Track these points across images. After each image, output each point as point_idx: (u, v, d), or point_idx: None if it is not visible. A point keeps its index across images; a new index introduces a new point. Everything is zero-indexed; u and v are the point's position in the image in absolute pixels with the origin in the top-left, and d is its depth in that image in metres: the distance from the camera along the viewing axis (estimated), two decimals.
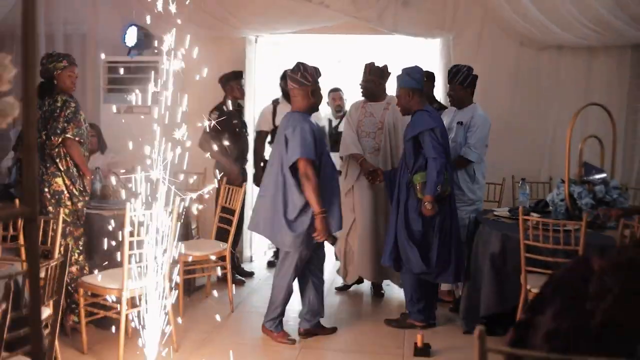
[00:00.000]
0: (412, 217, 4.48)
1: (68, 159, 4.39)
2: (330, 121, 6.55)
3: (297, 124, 4.16)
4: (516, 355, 1.86)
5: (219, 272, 5.03)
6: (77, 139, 4.34)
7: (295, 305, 4.79)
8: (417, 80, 4.55)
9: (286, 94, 5.92)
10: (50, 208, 4.32)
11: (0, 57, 1.43)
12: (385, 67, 5.29)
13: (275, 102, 6.02)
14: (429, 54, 6.25)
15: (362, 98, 5.37)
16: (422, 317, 4.66)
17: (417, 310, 4.66)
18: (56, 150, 4.34)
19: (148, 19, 4.76)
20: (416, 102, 4.55)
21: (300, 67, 4.28)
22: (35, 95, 1.20)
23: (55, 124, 4.31)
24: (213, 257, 4.86)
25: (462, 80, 4.92)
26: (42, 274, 2.73)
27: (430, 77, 5.49)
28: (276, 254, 6.38)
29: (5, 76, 1.44)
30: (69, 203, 4.37)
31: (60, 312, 2.73)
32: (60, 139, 4.32)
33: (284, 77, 5.94)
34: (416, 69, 4.62)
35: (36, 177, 1.18)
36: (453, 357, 4.20)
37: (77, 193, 4.40)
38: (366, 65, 5.28)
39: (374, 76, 5.25)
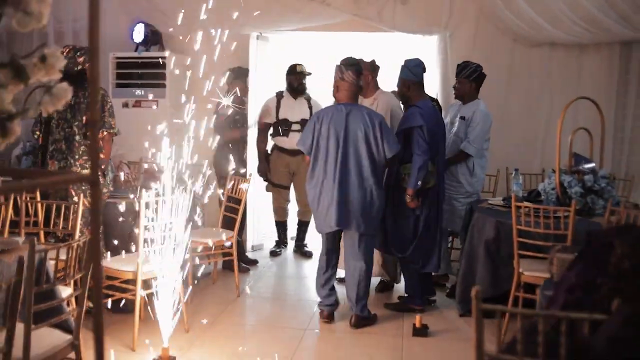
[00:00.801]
0: (400, 202, 4.73)
1: (101, 152, 4.56)
2: None
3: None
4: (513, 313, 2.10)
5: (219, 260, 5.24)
6: (113, 135, 4.58)
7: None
8: (414, 74, 4.77)
9: (292, 88, 6.15)
10: (76, 198, 4.49)
11: (52, 49, 1.65)
12: (373, 61, 5.28)
13: (279, 95, 6.22)
14: (426, 50, 6.45)
15: None
16: (420, 301, 4.88)
17: (415, 295, 4.89)
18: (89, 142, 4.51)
19: (154, 16, 4.98)
20: (413, 94, 4.78)
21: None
22: (98, 76, 1.41)
23: (101, 118, 4.49)
24: (225, 244, 5.13)
25: (468, 74, 5.16)
26: (63, 256, 2.94)
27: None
28: (278, 243, 6.59)
29: (57, 65, 1.66)
30: (75, 195, 4.53)
31: (86, 288, 2.93)
32: (104, 134, 4.52)
33: (291, 72, 6.19)
34: (415, 62, 4.83)
35: (97, 149, 1.39)
36: (449, 337, 4.43)
37: (103, 184, 4.58)
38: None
39: (366, 70, 5.18)
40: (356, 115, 4.48)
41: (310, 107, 6.22)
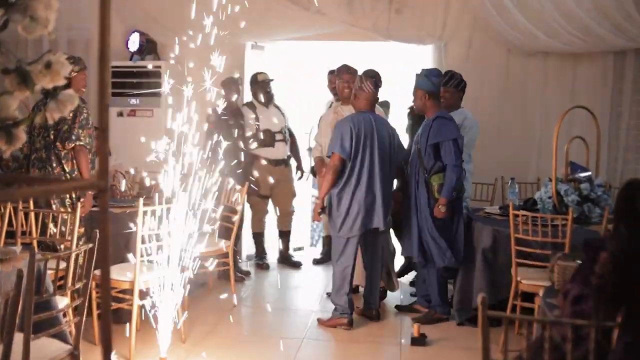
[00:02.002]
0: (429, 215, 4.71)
1: (74, 161, 4.54)
2: None
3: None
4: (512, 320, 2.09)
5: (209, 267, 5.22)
6: (87, 147, 4.49)
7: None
8: (434, 83, 4.77)
9: (258, 98, 6.14)
10: (54, 207, 4.47)
11: (57, 55, 1.64)
12: (372, 72, 5.19)
13: (251, 106, 6.19)
14: (421, 60, 6.48)
15: (331, 105, 5.58)
16: (446, 309, 4.86)
17: (443, 303, 4.86)
18: (64, 152, 4.50)
19: (150, 26, 4.98)
20: (431, 104, 4.77)
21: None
22: (109, 81, 1.39)
23: (69, 130, 4.44)
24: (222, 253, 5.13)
25: (457, 83, 5.16)
26: (64, 264, 2.92)
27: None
28: (260, 255, 6.47)
29: (62, 72, 1.65)
30: (67, 203, 4.51)
31: (86, 298, 2.91)
32: (72, 145, 4.47)
33: (254, 82, 6.21)
34: (434, 72, 4.87)
35: (108, 155, 1.38)
36: (447, 346, 4.42)
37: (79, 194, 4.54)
38: (348, 66, 5.37)
39: (350, 77, 5.22)
40: (380, 124, 4.75)
41: (283, 115, 6.21)
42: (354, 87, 4.79)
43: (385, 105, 6.19)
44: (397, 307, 5.16)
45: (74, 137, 4.44)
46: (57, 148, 4.49)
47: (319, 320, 4.80)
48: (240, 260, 6.20)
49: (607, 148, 5.98)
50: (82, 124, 4.46)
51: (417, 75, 4.86)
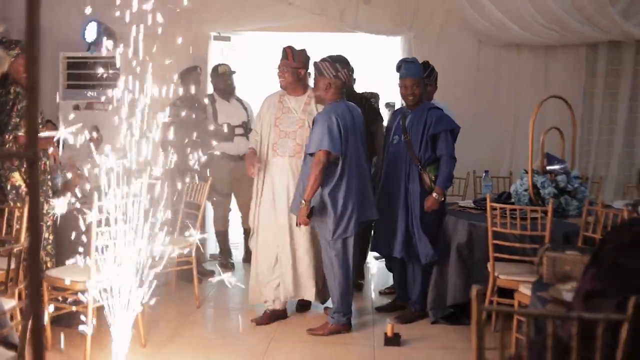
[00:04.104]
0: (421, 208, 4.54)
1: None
2: None
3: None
4: (510, 313, 1.90)
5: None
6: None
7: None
8: (422, 71, 4.68)
9: (219, 90, 5.92)
10: (11, 203, 4.18)
11: None
12: (304, 51, 4.61)
13: (211, 99, 5.96)
14: (390, 51, 6.31)
15: (279, 89, 4.66)
16: (424, 307, 4.67)
17: (423, 300, 4.67)
18: (8, 145, 4.18)
19: (108, 15, 4.69)
20: (421, 94, 4.64)
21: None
22: (39, 32, 1.15)
23: (7, 119, 4.11)
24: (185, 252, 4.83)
25: (435, 76, 5.02)
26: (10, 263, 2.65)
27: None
28: (223, 254, 6.22)
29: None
30: (24, 197, 4.23)
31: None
32: (12, 136, 4.15)
33: (214, 74, 5.98)
34: (417, 61, 4.74)
35: (37, 125, 1.13)
36: (422, 346, 4.23)
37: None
38: (285, 49, 4.57)
39: (299, 63, 4.54)
40: (355, 114, 4.40)
41: (245, 109, 5.96)
42: (326, 75, 4.29)
43: (376, 97, 5.94)
44: (377, 308, 4.94)
45: (10, 127, 4.08)
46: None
47: (311, 331, 4.42)
48: (204, 260, 5.96)
49: (579, 141, 5.88)
50: (20, 113, 4.12)
51: (405, 66, 4.64)
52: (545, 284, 2.59)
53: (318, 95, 4.40)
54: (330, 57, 4.45)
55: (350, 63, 4.81)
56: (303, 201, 4.17)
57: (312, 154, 4.21)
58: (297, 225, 4.34)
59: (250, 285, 4.72)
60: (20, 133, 4.11)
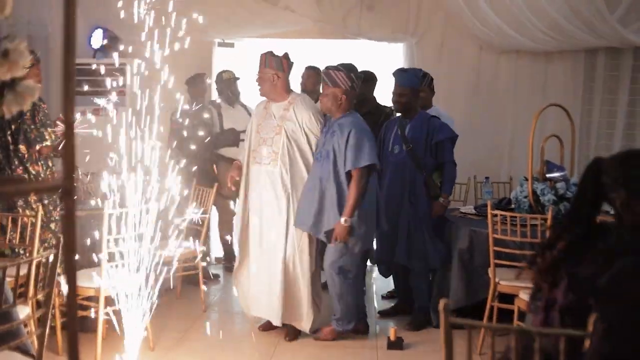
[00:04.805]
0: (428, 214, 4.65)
1: (40, 163, 4.31)
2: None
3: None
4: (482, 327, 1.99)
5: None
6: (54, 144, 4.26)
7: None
8: (419, 81, 4.75)
9: (224, 97, 5.99)
10: (20, 210, 4.25)
11: (15, 44, 1.47)
12: (285, 55, 4.45)
13: (217, 106, 6.05)
14: (392, 58, 6.39)
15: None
16: (435, 314, 4.72)
17: (431, 307, 4.70)
18: (27, 154, 4.26)
19: (114, 22, 4.78)
20: (416, 103, 4.73)
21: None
22: (74, 72, 1.23)
23: (29, 131, 4.18)
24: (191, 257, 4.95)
25: (429, 82, 5.09)
26: (24, 271, 2.72)
27: (371, 78, 5.27)
28: (228, 258, 6.28)
29: (20, 62, 1.48)
30: (35, 207, 4.29)
31: (50, 307, 2.73)
32: (39, 148, 4.23)
33: (219, 80, 6.04)
34: (420, 70, 4.84)
35: (75, 154, 1.22)
36: (425, 350, 4.32)
37: (46, 197, 4.32)
38: (261, 55, 4.42)
39: (271, 68, 4.35)
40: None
41: (249, 114, 6.00)
42: (342, 87, 4.16)
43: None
44: (380, 312, 5.03)
45: (39, 139, 4.19)
46: (19, 151, 4.24)
47: (317, 335, 4.42)
48: (209, 263, 6.04)
49: (577, 147, 5.95)
50: (43, 123, 4.23)
51: (401, 74, 4.73)
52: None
53: (327, 106, 4.25)
54: (342, 65, 4.38)
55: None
56: (346, 219, 4.07)
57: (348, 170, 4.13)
58: (333, 241, 4.15)
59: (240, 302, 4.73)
60: (47, 143, 4.21)
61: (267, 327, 4.57)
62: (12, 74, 1.38)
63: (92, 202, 4.39)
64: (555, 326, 1.84)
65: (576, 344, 1.65)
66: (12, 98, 1.40)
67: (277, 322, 4.36)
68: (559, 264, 1.83)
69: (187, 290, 5.41)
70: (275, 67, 4.32)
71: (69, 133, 1.23)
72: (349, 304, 4.36)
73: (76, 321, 1.30)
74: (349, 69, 4.34)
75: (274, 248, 4.33)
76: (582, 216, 1.91)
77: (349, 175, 4.14)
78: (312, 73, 5.78)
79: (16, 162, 4.26)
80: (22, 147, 4.22)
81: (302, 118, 4.31)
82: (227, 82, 5.99)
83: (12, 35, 5.06)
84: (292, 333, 4.44)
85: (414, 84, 4.68)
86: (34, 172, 4.29)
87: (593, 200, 1.92)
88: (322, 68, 4.50)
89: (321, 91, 4.38)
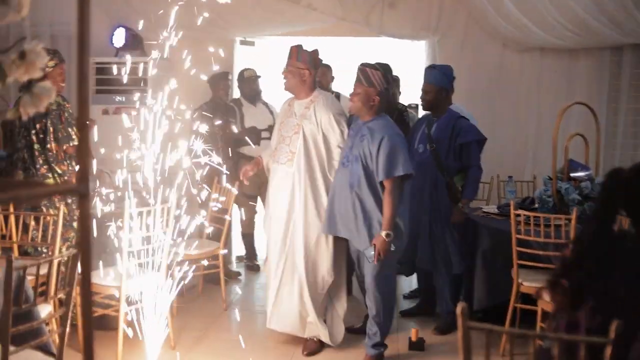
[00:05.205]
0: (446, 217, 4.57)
1: (66, 162, 4.35)
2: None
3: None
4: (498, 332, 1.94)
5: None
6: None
7: None
8: (450, 81, 4.65)
9: (245, 95, 5.97)
10: (43, 209, 4.29)
11: (32, 44, 1.46)
12: (316, 52, 4.29)
13: (238, 103, 6.01)
14: (414, 55, 6.34)
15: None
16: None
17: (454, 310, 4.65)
18: (54, 153, 4.29)
19: (138, 22, 4.79)
20: (445, 104, 4.65)
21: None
22: (88, 73, 1.23)
23: (58, 130, 4.23)
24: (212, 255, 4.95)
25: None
26: (44, 271, 2.74)
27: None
28: (249, 257, 6.29)
29: (37, 63, 1.47)
30: (58, 205, 4.32)
31: (70, 306, 2.74)
32: (72, 145, 4.27)
33: (240, 79, 6.02)
34: (450, 68, 4.69)
35: (90, 158, 1.21)
36: (446, 350, 4.28)
37: (69, 196, 4.34)
38: (291, 48, 4.27)
39: (303, 63, 4.20)
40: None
41: (271, 112, 5.99)
42: (377, 87, 3.90)
43: (412, 110, 5.96)
44: (401, 312, 4.99)
45: (68, 137, 4.26)
46: (46, 150, 4.28)
47: None
48: (230, 262, 6.06)
49: (604, 145, 5.86)
50: (69, 122, 4.28)
51: (430, 72, 4.67)
52: None
53: (358, 106, 3.97)
54: (379, 64, 4.04)
55: None
56: (388, 232, 3.80)
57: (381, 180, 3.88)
58: (376, 259, 3.83)
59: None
60: (73, 143, 4.25)
61: None
62: (30, 75, 1.37)
63: (112, 197, 4.41)
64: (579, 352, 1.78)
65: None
66: (28, 99, 1.39)
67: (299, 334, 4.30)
68: (584, 286, 1.79)
69: (208, 288, 5.43)
70: (307, 61, 4.18)
71: (83, 135, 1.23)
72: (388, 318, 4.12)
73: (91, 320, 1.30)
74: (386, 69, 4.06)
75: (292, 252, 4.20)
76: (604, 232, 1.87)
77: (381, 184, 3.90)
78: (326, 70, 5.67)
79: (40, 161, 4.30)
80: (52, 146, 4.27)
81: (321, 119, 4.14)
82: (249, 81, 5.98)
83: (34, 37, 5.16)
84: (309, 347, 4.25)
85: (440, 82, 4.60)
86: (59, 172, 4.33)
87: (613, 213, 1.88)
88: (336, 66, 4.46)
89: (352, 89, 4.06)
